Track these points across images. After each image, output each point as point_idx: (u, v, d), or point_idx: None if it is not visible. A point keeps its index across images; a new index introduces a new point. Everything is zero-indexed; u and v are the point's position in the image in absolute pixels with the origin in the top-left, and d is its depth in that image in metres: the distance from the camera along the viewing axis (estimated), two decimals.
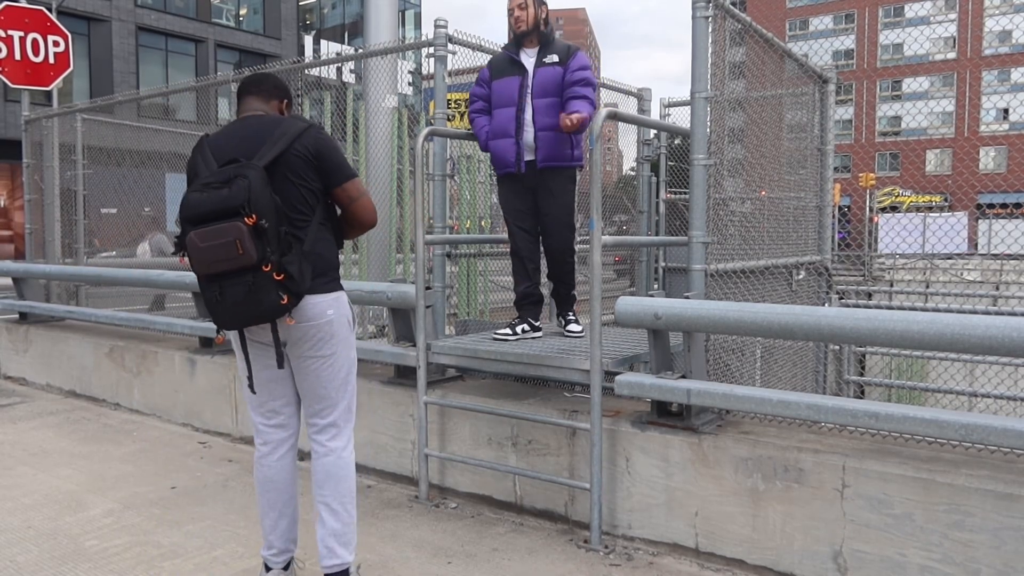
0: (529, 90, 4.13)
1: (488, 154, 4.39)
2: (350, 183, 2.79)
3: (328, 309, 2.73)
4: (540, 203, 4.22)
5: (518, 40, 4.21)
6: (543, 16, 4.17)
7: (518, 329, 4.27)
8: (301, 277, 2.58)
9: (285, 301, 2.54)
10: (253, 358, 2.81)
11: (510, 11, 4.17)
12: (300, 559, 3.23)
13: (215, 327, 2.71)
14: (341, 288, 2.83)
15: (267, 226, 2.47)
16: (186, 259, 2.57)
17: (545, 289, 4.71)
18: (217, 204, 2.49)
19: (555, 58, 4.11)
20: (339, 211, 2.87)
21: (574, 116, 3.88)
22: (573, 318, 4.36)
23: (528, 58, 4.18)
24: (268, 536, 2.91)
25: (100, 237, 8.31)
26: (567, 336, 4.25)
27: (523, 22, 4.13)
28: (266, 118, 2.78)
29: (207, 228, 2.49)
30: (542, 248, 4.37)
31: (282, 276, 2.52)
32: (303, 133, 2.69)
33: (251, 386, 2.82)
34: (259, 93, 2.88)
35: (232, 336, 2.80)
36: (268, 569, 2.93)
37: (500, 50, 4.45)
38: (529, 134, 4.13)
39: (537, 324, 4.35)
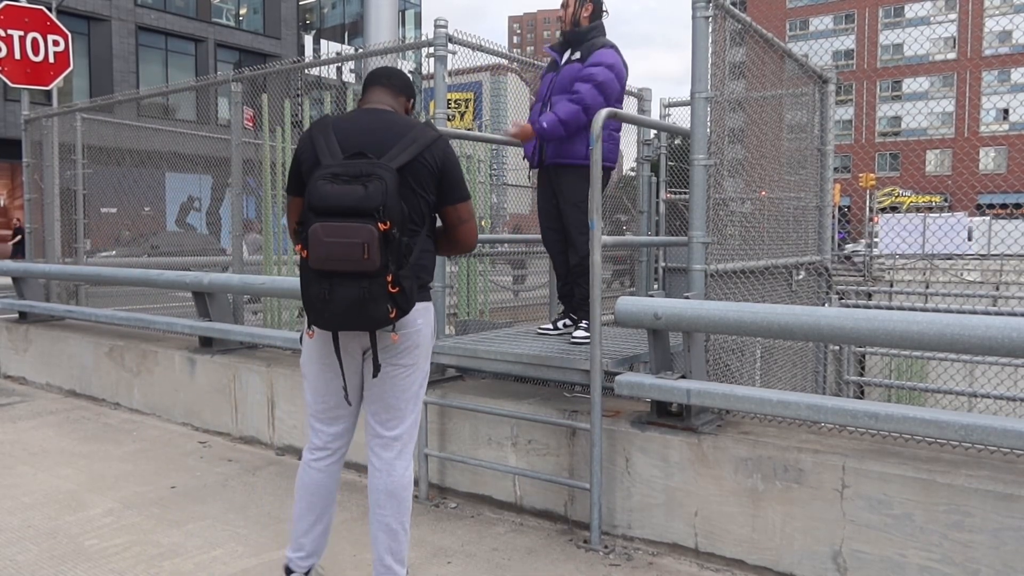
0: (554, 86, 4.18)
1: (492, 154, 4.44)
2: (463, 204, 2.73)
3: (419, 319, 2.66)
4: (558, 202, 4.24)
5: (564, 39, 4.25)
6: (584, 15, 4.14)
7: (559, 324, 4.35)
8: (411, 293, 2.50)
9: (393, 315, 2.45)
10: (331, 367, 2.69)
11: (560, 8, 4.24)
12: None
13: (307, 323, 2.60)
14: (430, 299, 2.77)
15: (398, 235, 2.40)
16: (306, 250, 2.44)
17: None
18: (353, 201, 2.37)
19: (578, 55, 4.12)
20: (440, 227, 2.79)
21: (526, 127, 4.03)
22: (584, 325, 4.17)
23: (565, 58, 4.22)
24: (300, 539, 2.83)
25: (97, 236, 8.31)
26: (571, 342, 4.11)
27: (564, 22, 4.17)
28: (397, 116, 2.68)
29: (337, 223, 2.37)
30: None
31: (396, 289, 2.42)
32: (434, 143, 2.61)
33: (346, 397, 2.71)
34: (389, 87, 2.79)
35: (320, 338, 2.69)
36: (290, 572, 2.86)
37: (505, 51, 4.54)
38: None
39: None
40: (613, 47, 4.12)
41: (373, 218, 2.36)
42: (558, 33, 4.28)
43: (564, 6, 4.15)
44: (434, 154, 2.60)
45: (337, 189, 2.39)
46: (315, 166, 2.53)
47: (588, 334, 4.04)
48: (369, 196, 2.37)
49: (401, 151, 2.54)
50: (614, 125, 4.19)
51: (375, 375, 2.61)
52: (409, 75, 2.88)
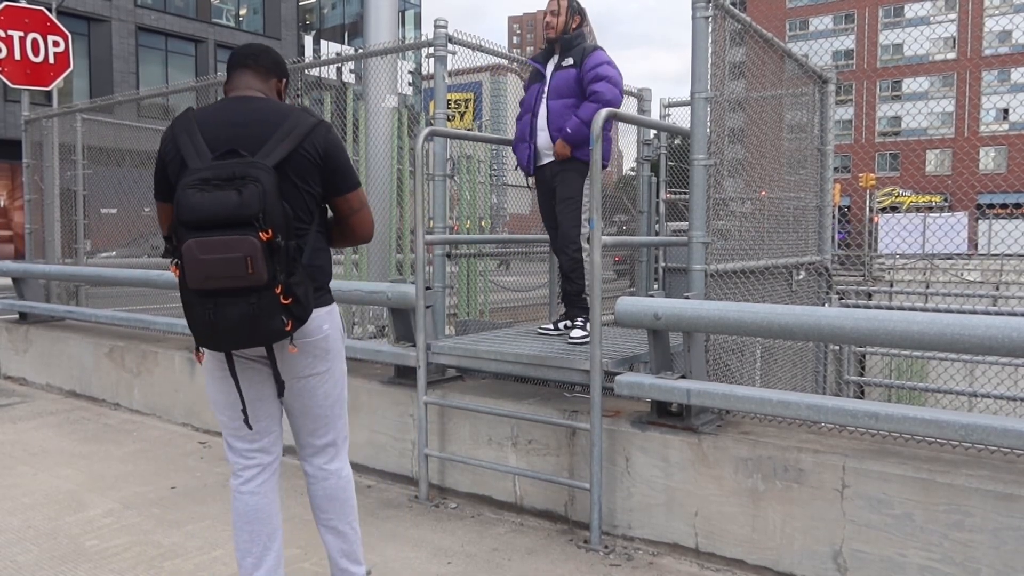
0: (545, 95, 4.19)
1: (492, 154, 4.46)
2: (354, 193, 2.49)
3: (324, 324, 2.46)
4: (555, 201, 4.27)
5: (548, 48, 4.27)
6: (573, 26, 4.17)
7: (560, 325, 4.38)
8: (307, 300, 2.28)
9: (289, 327, 2.23)
10: (246, 379, 2.45)
11: (544, 15, 4.24)
12: (301, 555, 3.23)
13: (195, 345, 2.35)
14: (333, 300, 2.57)
15: (282, 243, 2.16)
16: (177, 269, 2.20)
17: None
18: (227, 210, 2.11)
19: (570, 60, 4.14)
20: (332, 219, 2.57)
21: (563, 147, 4.06)
22: (580, 324, 4.17)
23: (552, 65, 4.24)
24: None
25: (97, 237, 8.31)
26: (568, 341, 4.10)
27: (552, 29, 4.18)
28: (268, 103, 2.41)
29: (212, 238, 2.11)
30: None
31: (289, 299, 2.20)
32: (313, 130, 2.35)
33: (246, 420, 2.44)
34: (256, 69, 2.50)
35: (212, 358, 2.46)
36: None
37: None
38: (542, 137, 4.20)
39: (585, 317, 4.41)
40: (602, 49, 4.18)
41: (253, 227, 2.11)
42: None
43: (553, 14, 4.16)
44: (315, 143, 2.35)
45: (208, 198, 2.12)
46: (182, 169, 2.26)
47: (586, 333, 4.05)
48: (245, 203, 2.11)
49: (277, 144, 2.29)
50: (607, 125, 4.19)
51: (280, 394, 2.42)
52: (279, 53, 2.61)
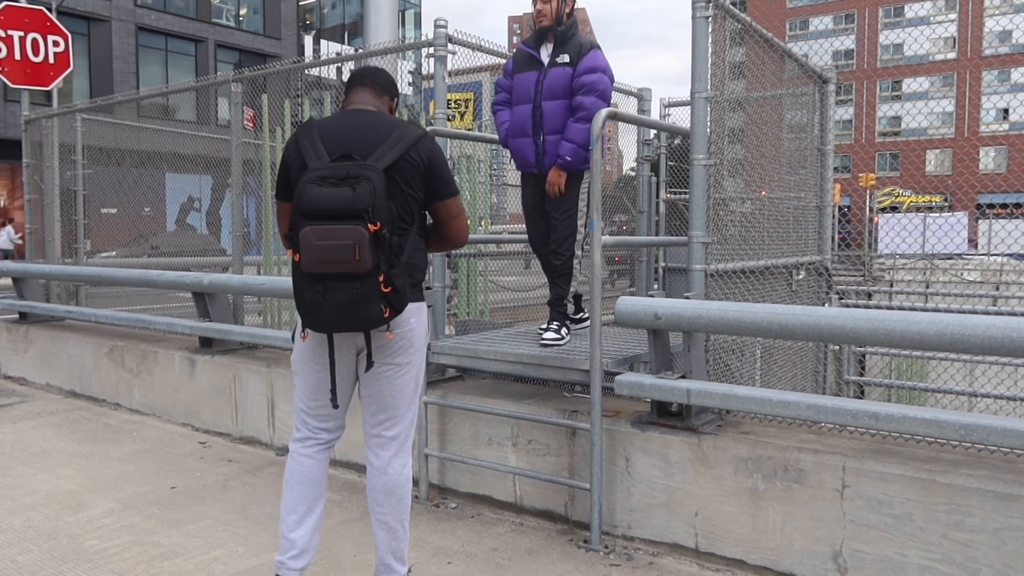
0: (541, 89, 4.04)
1: (492, 154, 4.37)
2: (452, 199, 2.73)
3: (411, 317, 2.65)
4: (545, 203, 4.17)
5: (540, 35, 4.09)
6: (566, 11, 4.02)
7: (552, 326, 4.30)
8: (404, 291, 2.51)
9: (387, 314, 2.46)
10: (320, 363, 2.68)
11: (533, 2, 4.06)
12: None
13: (301, 325, 2.60)
14: (424, 298, 2.76)
15: (387, 235, 2.41)
16: (297, 254, 2.45)
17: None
18: (341, 203, 2.38)
19: (566, 58, 3.99)
20: (431, 224, 2.79)
21: (557, 179, 3.96)
22: (554, 327, 4.07)
23: (546, 54, 4.08)
24: (289, 534, 2.71)
25: (97, 237, 8.31)
26: (541, 344, 3.99)
27: (545, 16, 4.00)
28: (381, 116, 2.69)
29: (327, 226, 2.37)
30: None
31: (389, 288, 2.43)
32: (419, 140, 2.62)
33: (334, 400, 2.68)
34: (372, 87, 2.78)
35: (313, 340, 2.68)
36: None
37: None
38: (543, 135, 4.07)
39: (576, 316, 4.36)
40: (598, 47, 4.06)
41: (362, 219, 2.36)
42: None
43: (544, 1, 3.98)
44: (420, 152, 2.61)
45: (325, 192, 2.39)
46: (302, 170, 2.53)
47: (559, 336, 4.00)
48: (357, 198, 2.37)
49: (387, 151, 2.55)
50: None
51: (367, 370, 2.63)
52: (412, 74, 2.95)
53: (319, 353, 2.67)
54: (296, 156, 2.60)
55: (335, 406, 2.69)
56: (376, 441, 2.76)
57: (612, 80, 4.06)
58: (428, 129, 4.05)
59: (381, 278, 2.40)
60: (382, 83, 2.80)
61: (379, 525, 2.74)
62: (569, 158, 3.93)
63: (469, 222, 6.90)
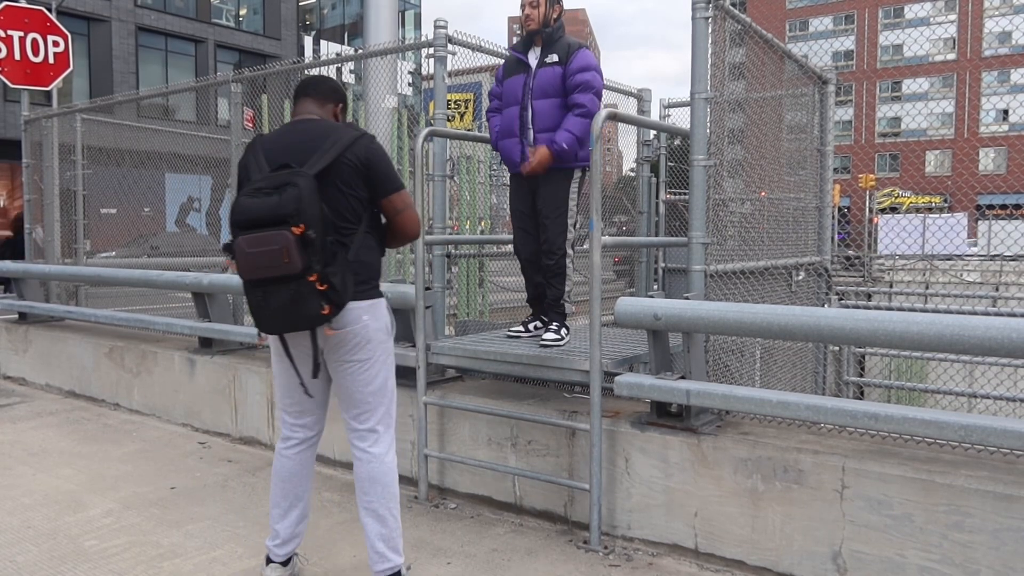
0: (531, 90, 4.07)
1: (492, 155, 4.37)
2: (397, 195, 2.82)
3: (363, 315, 2.76)
4: (537, 202, 4.17)
5: (527, 39, 4.15)
6: (554, 16, 4.08)
7: (530, 326, 4.31)
8: (343, 288, 2.62)
9: (326, 311, 2.57)
10: (291, 360, 2.83)
11: (522, 7, 4.10)
12: (304, 556, 3.24)
13: (256, 330, 2.80)
14: (380, 295, 2.86)
15: (314, 236, 2.50)
16: (233, 263, 2.61)
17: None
18: (266, 211, 2.52)
19: (555, 57, 4.03)
20: (384, 220, 2.91)
21: (543, 156, 3.91)
22: (554, 328, 4.08)
23: (534, 57, 4.12)
24: (275, 525, 2.97)
25: (97, 237, 8.30)
26: (540, 345, 4.00)
27: (533, 20, 4.06)
28: (319, 123, 2.81)
29: (255, 234, 2.52)
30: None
31: (325, 286, 2.55)
32: (355, 142, 2.72)
33: (307, 391, 2.86)
34: (315, 96, 2.90)
35: (273, 340, 2.86)
36: (269, 562, 3.00)
37: (506, 50, 4.41)
38: (532, 133, 4.07)
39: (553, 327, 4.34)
40: (586, 47, 4.11)
41: (287, 223, 2.49)
42: (518, 31, 4.22)
43: (532, 6, 4.04)
44: (356, 152, 2.71)
45: (255, 202, 2.55)
46: (247, 183, 2.69)
47: (559, 337, 4.01)
48: (281, 203, 2.50)
49: (322, 155, 2.66)
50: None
51: (314, 374, 2.77)
52: (339, 81, 3.06)
53: (280, 353, 2.85)
54: (244, 173, 2.76)
55: (309, 395, 2.87)
56: (354, 434, 2.89)
57: (602, 79, 4.10)
58: (428, 129, 4.06)
59: (314, 277, 2.52)
60: (324, 91, 2.92)
61: (367, 513, 2.85)
62: (565, 146, 3.92)
63: (470, 223, 6.92)
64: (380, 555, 2.85)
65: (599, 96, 4.02)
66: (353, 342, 2.77)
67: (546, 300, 4.21)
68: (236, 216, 2.58)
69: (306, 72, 6.40)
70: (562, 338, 4.01)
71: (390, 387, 2.91)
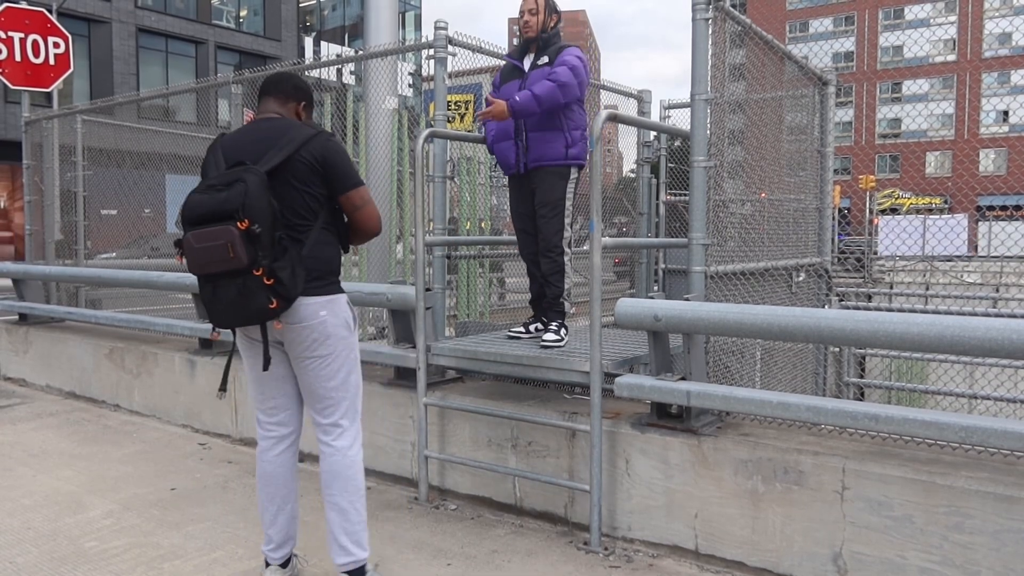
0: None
1: (490, 156, 4.38)
2: (355, 191, 2.83)
3: (321, 310, 2.76)
4: (535, 202, 4.18)
5: (524, 45, 4.20)
6: (551, 24, 4.13)
7: (531, 328, 4.32)
8: (292, 282, 2.62)
9: (274, 305, 2.59)
10: (253, 356, 2.88)
11: (520, 14, 4.15)
12: (303, 557, 3.24)
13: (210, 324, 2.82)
14: (340, 291, 2.86)
15: (259, 231, 2.52)
16: (183, 259, 2.63)
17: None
18: (213, 207, 2.55)
19: (545, 58, 4.09)
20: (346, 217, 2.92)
21: (501, 105, 3.91)
22: (553, 328, 4.09)
23: (528, 62, 4.18)
24: (267, 530, 2.97)
25: (97, 238, 8.30)
26: (540, 345, 4.01)
27: (531, 28, 4.11)
28: (278, 122, 2.82)
29: (202, 230, 2.55)
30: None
31: (272, 280, 2.56)
32: (310, 140, 2.73)
33: (266, 365, 2.82)
34: (277, 95, 2.92)
35: (239, 334, 2.91)
36: (267, 565, 3.01)
37: (503, 53, 4.43)
38: (525, 135, 4.10)
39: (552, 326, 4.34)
40: (577, 47, 4.14)
41: (233, 219, 2.51)
42: (516, 40, 4.26)
43: (532, 13, 4.09)
44: (311, 150, 2.73)
45: (203, 199, 2.59)
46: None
47: (559, 338, 4.01)
48: (228, 199, 2.53)
49: (276, 153, 2.69)
50: (584, 124, 4.17)
51: (264, 367, 2.76)
52: (303, 79, 3.09)
53: (244, 349, 2.90)
54: (204, 171, 2.79)
55: (265, 368, 2.79)
56: (319, 428, 2.91)
57: (588, 73, 4.10)
58: (428, 131, 4.06)
59: (260, 271, 2.54)
60: (286, 90, 2.93)
61: (330, 507, 2.85)
62: (518, 98, 3.92)
63: (469, 224, 6.91)
64: (342, 548, 2.84)
65: (576, 72, 3.98)
66: (311, 338, 2.77)
67: (545, 299, 4.22)
68: (186, 212, 2.62)
69: (306, 73, 6.40)
70: (562, 339, 4.01)
71: (353, 382, 2.91)
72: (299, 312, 2.72)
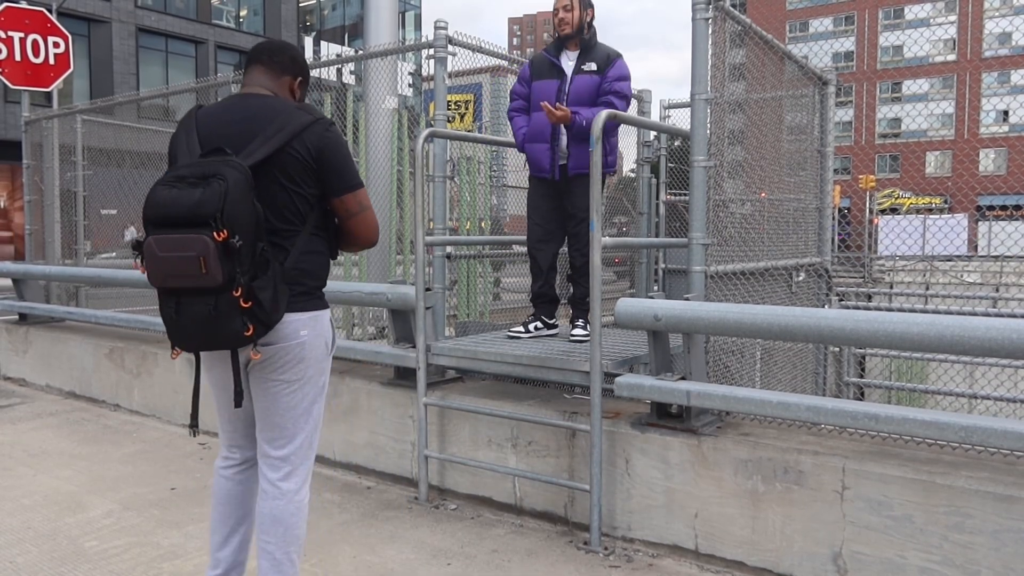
0: (566, 96, 4.09)
1: (492, 156, 4.38)
2: (353, 194, 2.40)
3: (302, 329, 2.35)
4: (568, 207, 4.18)
5: (560, 42, 4.18)
6: (588, 20, 4.12)
7: (531, 327, 4.33)
8: (273, 305, 2.21)
9: (250, 332, 2.16)
10: (220, 383, 2.46)
11: (555, 11, 4.14)
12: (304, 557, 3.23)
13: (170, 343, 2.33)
14: (324, 306, 2.45)
15: (240, 244, 2.09)
16: (143, 266, 2.20)
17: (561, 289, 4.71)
18: (185, 209, 2.08)
19: (593, 66, 4.07)
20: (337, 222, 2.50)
21: (568, 114, 3.93)
22: (581, 324, 4.21)
23: (568, 62, 4.15)
24: (215, 553, 2.57)
25: (97, 238, 8.30)
26: (570, 340, 4.15)
27: (568, 24, 4.08)
28: (269, 100, 2.36)
29: (169, 236, 2.10)
30: (566, 250, 4.36)
31: (250, 303, 2.14)
32: (306, 128, 2.29)
33: (194, 424, 2.48)
34: (270, 66, 2.45)
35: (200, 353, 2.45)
36: None
37: (504, 53, 4.43)
38: (564, 139, 4.11)
39: (551, 322, 4.36)
40: (621, 56, 4.15)
41: (209, 227, 2.06)
42: (548, 36, 4.28)
43: (567, 9, 4.06)
44: (306, 142, 2.28)
45: (172, 195, 2.11)
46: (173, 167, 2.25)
47: (586, 332, 4.04)
48: (203, 201, 2.06)
49: (263, 143, 2.24)
50: (615, 133, 4.23)
51: (237, 403, 2.32)
52: (300, 51, 2.55)
53: (206, 366, 2.47)
54: (173, 153, 2.33)
55: (193, 416, 2.48)
56: (265, 461, 2.47)
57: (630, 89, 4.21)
58: (428, 130, 4.05)
59: (238, 292, 2.11)
60: (281, 61, 2.47)
61: (263, 555, 2.43)
62: (584, 123, 3.95)
63: (470, 224, 6.92)
64: None
65: (628, 104, 4.13)
66: (284, 359, 2.34)
67: (574, 296, 4.29)
68: (149, 210, 2.14)
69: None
70: (588, 333, 4.06)
71: (315, 413, 2.47)
72: (277, 330, 2.29)
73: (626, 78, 4.08)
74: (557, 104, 4.03)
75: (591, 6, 4.15)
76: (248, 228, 2.12)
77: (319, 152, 2.31)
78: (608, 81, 4.04)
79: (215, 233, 2.05)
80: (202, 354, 2.40)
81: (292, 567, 2.46)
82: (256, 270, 2.16)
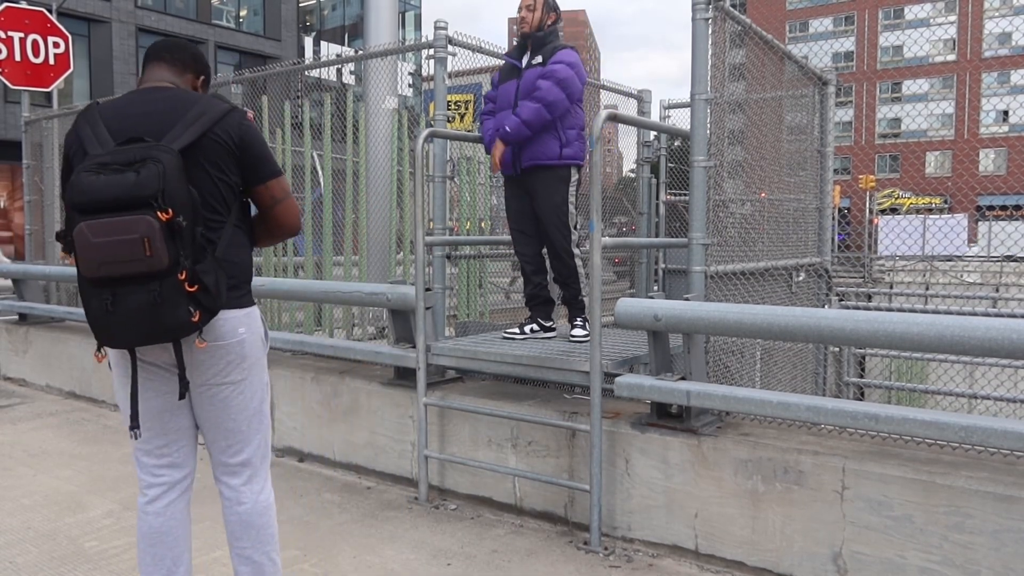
0: (520, 92, 4.11)
1: (488, 157, 4.39)
2: (275, 181, 2.34)
3: (240, 327, 2.28)
4: (533, 204, 4.21)
5: (522, 42, 4.20)
6: (548, 22, 4.13)
7: (527, 329, 4.33)
8: (217, 289, 2.13)
9: (196, 318, 2.07)
10: (141, 385, 2.27)
11: (519, 10, 4.16)
12: (298, 559, 3.23)
13: (96, 343, 2.19)
14: (254, 302, 2.40)
15: (184, 224, 2.01)
16: (71, 256, 2.08)
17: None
18: (122, 191, 1.98)
19: (539, 59, 4.09)
20: (255, 212, 2.42)
21: (498, 156, 4.07)
22: (579, 323, 4.20)
23: (526, 61, 4.18)
24: None
25: None
26: (570, 340, 4.16)
27: (527, 24, 4.11)
28: (179, 92, 2.28)
29: (106, 219, 1.98)
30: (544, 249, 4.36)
31: (195, 287, 2.05)
32: (226, 116, 2.21)
33: (135, 425, 2.27)
34: (172, 63, 2.37)
35: (115, 356, 2.30)
36: None
37: (503, 53, 4.45)
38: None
39: (548, 324, 4.35)
40: (573, 48, 4.14)
41: (151, 207, 1.97)
42: (515, 40, 4.28)
43: (529, 9, 4.09)
44: (228, 128, 2.21)
45: (102, 180, 2.00)
46: (83, 158, 2.13)
47: (587, 332, 4.04)
48: (142, 182, 1.98)
49: (185, 129, 2.15)
50: (580, 123, 4.18)
51: (181, 396, 2.21)
52: (200, 50, 2.52)
53: (126, 374, 2.26)
54: (77, 146, 2.20)
55: (134, 426, 2.28)
56: (223, 470, 2.41)
57: (582, 78, 4.09)
58: (428, 130, 4.05)
59: (183, 275, 2.02)
60: (184, 59, 2.39)
61: (241, 561, 2.39)
62: (508, 129, 3.99)
63: (470, 223, 6.92)
64: None
65: (564, 84, 3.98)
66: (226, 360, 2.26)
67: (564, 298, 4.29)
68: (77, 197, 2.02)
69: (306, 73, 6.40)
70: (588, 333, 4.05)
71: (266, 411, 2.43)
72: (216, 329, 2.20)
73: (562, 61, 4.00)
74: (492, 164, 4.18)
75: (555, 10, 4.16)
76: (188, 210, 2.05)
77: (240, 139, 2.24)
78: (546, 67, 4.02)
79: (159, 213, 1.98)
80: (128, 362, 2.24)
81: (273, 566, 2.42)
82: (197, 255, 2.09)
